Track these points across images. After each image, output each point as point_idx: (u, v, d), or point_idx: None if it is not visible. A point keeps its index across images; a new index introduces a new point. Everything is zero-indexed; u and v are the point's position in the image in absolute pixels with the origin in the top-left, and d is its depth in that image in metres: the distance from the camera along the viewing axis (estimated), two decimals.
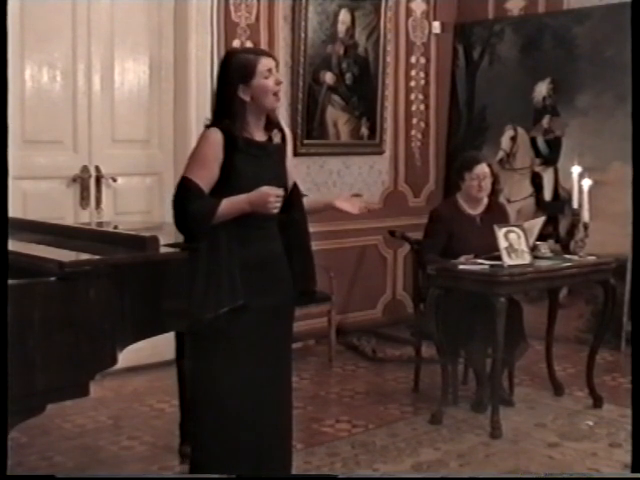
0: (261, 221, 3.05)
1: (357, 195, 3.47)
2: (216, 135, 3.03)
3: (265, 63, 3.07)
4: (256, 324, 3.06)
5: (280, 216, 3.10)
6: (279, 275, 3.14)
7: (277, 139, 3.18)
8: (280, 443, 3.20)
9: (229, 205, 2.99)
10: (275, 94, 3.07)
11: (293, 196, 3.21)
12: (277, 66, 3.15)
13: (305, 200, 3.29)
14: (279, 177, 3.13)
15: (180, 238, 3.15)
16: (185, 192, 3.01)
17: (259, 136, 3.12)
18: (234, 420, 3.07)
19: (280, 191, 3.01)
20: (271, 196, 2.97)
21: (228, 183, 3.02)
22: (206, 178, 3.01)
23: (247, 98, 3.05)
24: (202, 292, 2.97)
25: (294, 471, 3.32)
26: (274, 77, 3.07)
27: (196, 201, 2.98)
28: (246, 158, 3.04)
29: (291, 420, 3.27)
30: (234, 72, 3.07)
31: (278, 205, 3.01)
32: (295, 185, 3.25)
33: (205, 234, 2.99)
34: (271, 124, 3.15)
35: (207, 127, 3.09)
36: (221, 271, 2.98)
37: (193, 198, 2.99)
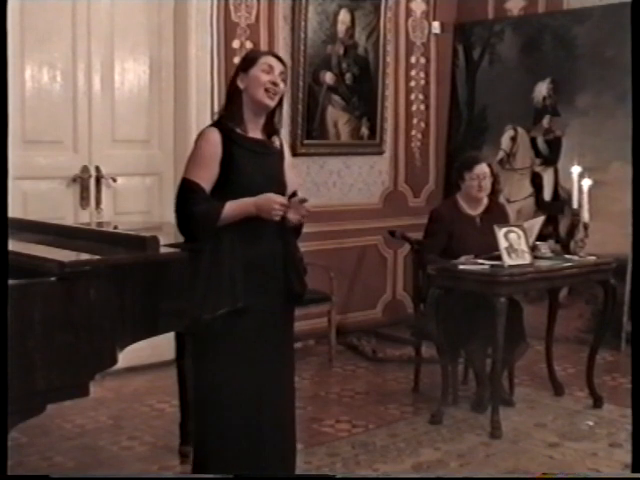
0: (262, 225, 3.05)
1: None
2: (213, 133, 3.07)
3: (269, 60, 3.12)
4: (256, 325, 3.08)
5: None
6: (277, 276, 3.14)
7: (277, 144, 3.22)
8: (283, 443, 3.21)
9: (234, 207, 3.00)
10: (267, 90, 3.06)
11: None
12: (284, 74, 3.15)
13: None
14: (278, 176, 3.17)
15: (180, 238, 3.15)
16: (188, 194, 3.02)
17: (256, 134, 3.14)
18: (236, 420, 3.07)
19: (285, 200, 3.04)
20: (277, 203, 2.99)
21: (228, 179, 3.04)
22: (207, 178, 3.03)
23: (242, 86, 3.09)
24: (202, 293, 2.98)
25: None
26: (272, 76, 3.08)
27: (200, 203, 2.99)
28: (244, 153, 3.06)
29: (294, 420, 3.27)
30: (240, 62, 3.22)
31: (281, 213, 3.02)
32: (294, 194, 3.25)
33: (208, 236, 3.00)
34: (269, 127, 3.17)
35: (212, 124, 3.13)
36: (221, 273, 3.00)
37: (197, 200, 3.00)
